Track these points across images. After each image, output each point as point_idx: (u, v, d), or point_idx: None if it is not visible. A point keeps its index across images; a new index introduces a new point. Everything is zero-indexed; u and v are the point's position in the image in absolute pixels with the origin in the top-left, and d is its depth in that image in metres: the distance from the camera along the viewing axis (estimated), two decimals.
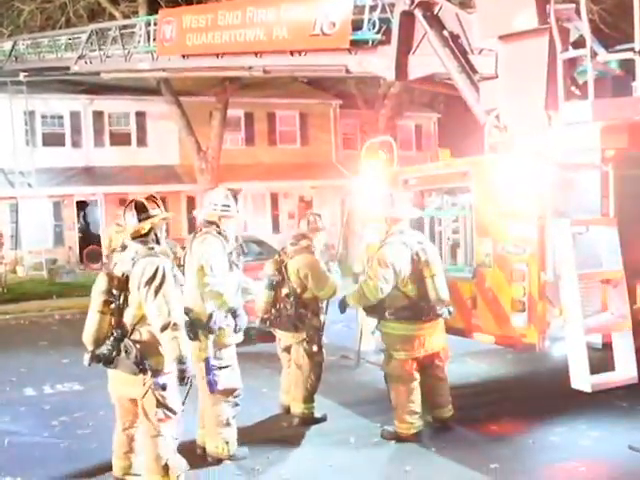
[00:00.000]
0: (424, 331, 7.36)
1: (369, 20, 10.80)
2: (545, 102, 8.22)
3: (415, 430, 7.29)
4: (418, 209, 8.27)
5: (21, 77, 23.71)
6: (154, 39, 15.55)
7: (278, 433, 7.74)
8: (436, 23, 9.89)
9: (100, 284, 5.75)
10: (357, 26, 10.94)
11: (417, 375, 7.39)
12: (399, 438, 7.30)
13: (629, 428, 7.36)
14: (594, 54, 8.29)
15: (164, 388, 5.64)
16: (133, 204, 5.92)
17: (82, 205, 31.07)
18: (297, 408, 8.07)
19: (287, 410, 8.30)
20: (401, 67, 10.46)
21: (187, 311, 6.35)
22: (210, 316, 6.58)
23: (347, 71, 11.58)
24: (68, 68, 19.17)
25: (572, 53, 8.16)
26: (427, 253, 7.38)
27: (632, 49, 7.91)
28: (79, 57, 18.43)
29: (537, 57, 8.25)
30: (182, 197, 31.85)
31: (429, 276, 7.33)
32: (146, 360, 5.60)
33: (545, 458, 6.79)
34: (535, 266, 7.42)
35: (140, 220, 5.86)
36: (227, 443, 6.82)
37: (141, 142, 31.94)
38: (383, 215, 7.58)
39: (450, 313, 7.50)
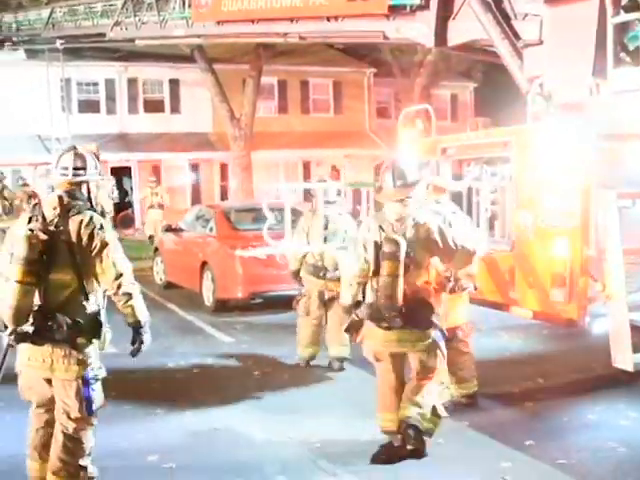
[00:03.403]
0: (445, 304, 6.92)
1: None
2: (593, 69, 7.94)
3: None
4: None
5: (58, 44, 23.76)
6: (189, 5, 15.52)
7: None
8: None
9: None
10: None
11: None
12: None
13: None
14: None
15: None
16: None
17: (116, 171, 31.18)
18: (341, 352, 8.70)
19: (308, 362, 8.93)
20: (440, 33, 10.25)
21: None
22: None
23: (384, 37, 11.40)
24: (104, 35, 19.24)
25: (623, 17, 7.74)
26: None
27: None
28: (114, 24, 18.45)
29: (586, 21, 7.96)
30: (215, 164, 31.88)
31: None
32: None
33: (582, 437, 6.62)
34: (578, 240, 7.22)
35: None
36: None
37: (174, 109, 31.98)
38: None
39: (476, 288, 7.22)
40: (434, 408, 6.05)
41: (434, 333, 6.04)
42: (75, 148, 5.19)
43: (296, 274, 9.28)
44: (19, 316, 4.74)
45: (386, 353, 6.12)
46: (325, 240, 8.91)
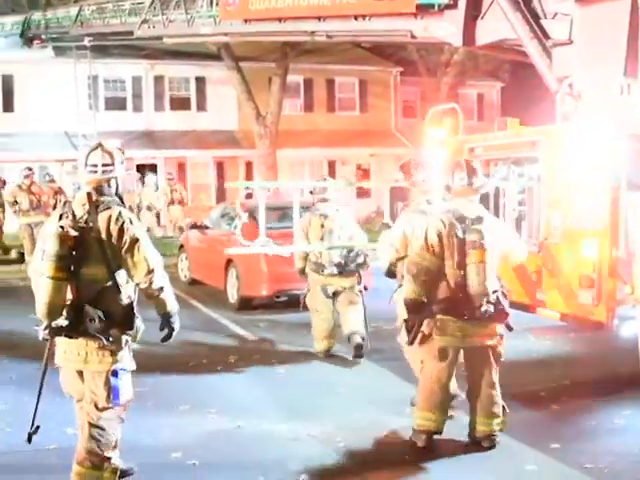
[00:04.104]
0: None
1: None
2: (624, 69, 7.89)
3: None
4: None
5: (86, 42, 23.95)
6: (217, 3, 15.59)
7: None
8: None
9: None
10: None
11: None
12: None
13: None
14: None
15: None
16: None
17: (142, 169, 31.33)
18: (355, 325, 9.11)
19: (326, 353, 9.31)
20: (469, 33, 10.22)
21: None
22: None
23: (412, 37, 11.37)
24: (131, 33, 19.32)
25: None
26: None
27: None
28: (142, 22, 18.53)
29: (617, 21, 7.92)
30: (240, 162, 31.94)
31: None
32: None
33: (609, 441, 6.53)
34: (606, 241, 7.16)
35: None
36: None
37: (201, 107, 32.10)
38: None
39: None
40: (503, 407, 6.31)
41: (501, 328, 6.18)
42: (102, 145, 5.24)
43: (302, 272, 9.69)
44: (53, 311, 4.85)
45: (455, 348, 6.18)
46: (322, 238, 9.33)
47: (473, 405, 6.30)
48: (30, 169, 17.58)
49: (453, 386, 6.64)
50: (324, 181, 9.99)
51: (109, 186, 5.17)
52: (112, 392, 5.03)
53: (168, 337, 5.26)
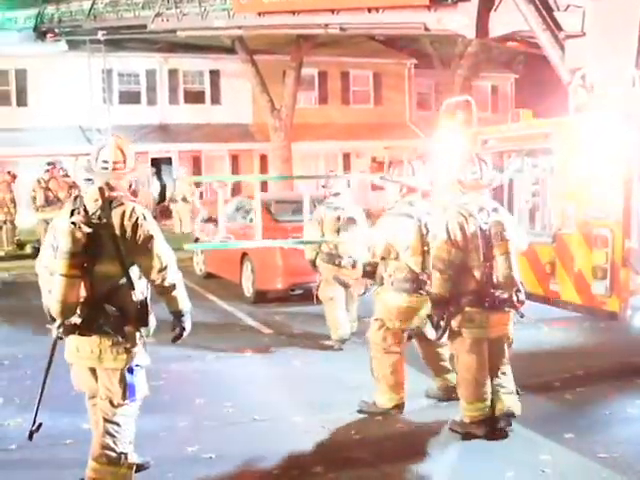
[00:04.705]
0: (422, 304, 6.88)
1: None
2: (636, 61, 7.89)
3: None
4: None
5: (99, 36, 23.94)
6: None
7: None
8: None
9: None
10: None
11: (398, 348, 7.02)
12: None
13: None
14: None
15: None
16: None
17: (156, 162, 31.41)
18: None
19: (343, 341, 9.48)
20: (482, 25, 10.20)
21: None
22: None
23: (426, 29, 11.34)
24: (145, 26, 19.30)
25: None
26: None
27: None
28: (156, 15, 18.52)
29: (629, 13, 7.91)
30: (255, 155, 32.00)
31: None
32: None
33: (623, 431, 6.55)
34: (619, 232, 7.16)
35: None
36: None
37: (215, 100, 32.17)
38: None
39: None
40: (517, 391, 6.53)
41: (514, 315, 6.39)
42: (114, 141, 5.19)
43: (313, 263, 9.81)
44: (66, 309, 4.80)
45: (486, 339, 6.32)
46: (338, 231, 9.49)
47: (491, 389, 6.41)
48: (51, 164, 17.49)
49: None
50: (334, 175, 10.28)
51: (121, 182, 5.11)
52: (128, 389, 5.00)
53: (179, 337, 5.20)
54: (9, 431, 5.60)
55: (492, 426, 6.32)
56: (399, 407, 6.95)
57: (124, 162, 5.12)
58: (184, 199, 22.70)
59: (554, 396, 7.48)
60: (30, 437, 5.11)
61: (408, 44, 33.98)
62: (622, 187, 7.15)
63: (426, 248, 6.80)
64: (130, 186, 5.21)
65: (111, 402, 5.02)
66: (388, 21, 12.07)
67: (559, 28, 9.14)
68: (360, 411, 7.00)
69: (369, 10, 11.98)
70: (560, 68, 9.10)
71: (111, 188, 5.03)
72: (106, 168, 5.07)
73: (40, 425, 5.09)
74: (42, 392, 5.07)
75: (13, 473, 5.75)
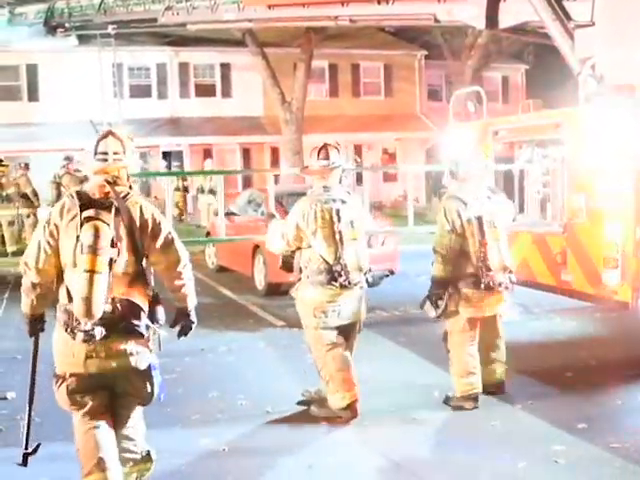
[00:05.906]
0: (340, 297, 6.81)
1: None
2: None
3: None
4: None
5: (110, 30, 24.05)
6: None
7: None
8: None
9: None
10: None
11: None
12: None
13: None
14: None
15: None
16: None
17: (167, 155, 31.50)
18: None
19: None
20: (492, 16, 10.19)
21: None
22: None
23: (435, 20, 11.33)
24: (155, 20, 19.35)
25: None
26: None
27: None
28: (166, 9, 18.55)
29: (639, 2, 7.88)
30: (266, 148, 32.03)
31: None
32: None
33: (636, 421, 6.56)
34: (630, 222, 7.16)
35: None
36: None
37: (226, 93, 32.19)
38: None
39: (368, 282, 6.86)
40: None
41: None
42: (112, 132, 4.90)
43: None
44: (92, 307, 4.45)
45: (480, 317, 6.85)
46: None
47: (484, 359, 7.00)
48: (68, 158, 17.26)
49: None
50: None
51: (121, 175, 4.83)
52: (158, 386, 4.79)
53: (185, 333, 5.02)
54: (22, 425, 5.54)
55: (488, 392, 6.91)
56: (353, 405, 6.59)
57: (123, 153, 4.83)
58: (212, 191, 22.31)
59: (566, 386, 7.47)
60: (24, 462, 4.76)
61: (418, 35, 33.87)
62: (632, 177, 7.14)
63: (338, 237, 6.61)
64: (128, 178, 4.93)
65: (133, 402, 4.82)
66: (398, 12, 12.07)
67: (568, 18, 9.11)
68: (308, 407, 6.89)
69: (379, 2, 11.98)
70: (570, 58, 9.08)
71: (114, 182, 4.76)
72: (105, 160, 4.77)
73: (39, 445, 4.81)
74: (30, 408, 4.83)
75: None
